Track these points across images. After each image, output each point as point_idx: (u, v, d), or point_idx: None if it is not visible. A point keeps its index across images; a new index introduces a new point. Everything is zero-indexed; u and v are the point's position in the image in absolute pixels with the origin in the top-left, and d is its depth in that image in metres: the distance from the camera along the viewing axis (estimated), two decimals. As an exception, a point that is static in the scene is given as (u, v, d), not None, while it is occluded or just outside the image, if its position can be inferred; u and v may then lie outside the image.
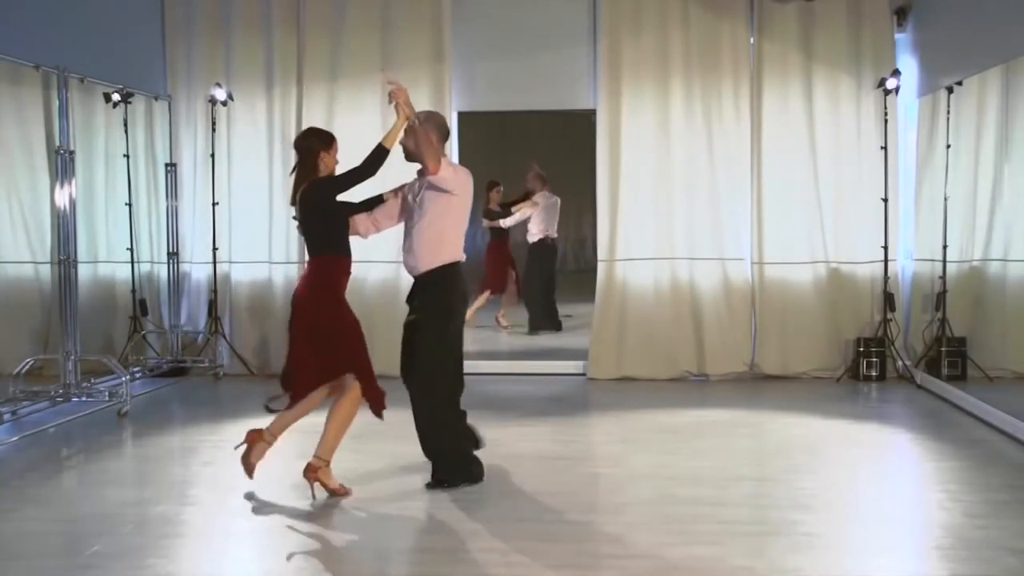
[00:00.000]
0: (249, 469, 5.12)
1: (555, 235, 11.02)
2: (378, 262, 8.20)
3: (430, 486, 5.18)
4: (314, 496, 5.00)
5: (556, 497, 4.99)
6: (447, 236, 5.10)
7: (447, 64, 8.38)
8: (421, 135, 4.95)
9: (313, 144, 5.03)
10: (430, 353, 5.10)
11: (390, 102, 4.99)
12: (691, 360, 8.33)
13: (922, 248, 8.15)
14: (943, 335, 7.64)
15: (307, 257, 5.22)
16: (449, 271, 5.11)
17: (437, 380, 5.13)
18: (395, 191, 5.31)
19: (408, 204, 5.25)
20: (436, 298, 5.11)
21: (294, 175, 5.08)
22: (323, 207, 4.97)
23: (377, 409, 5.08)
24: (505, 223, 10.91)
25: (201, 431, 6.55)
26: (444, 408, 5.19)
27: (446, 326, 5.12)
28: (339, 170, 5.08)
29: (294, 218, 5.11)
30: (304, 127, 8.46)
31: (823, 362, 8.29)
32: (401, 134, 5.04)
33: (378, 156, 4.93)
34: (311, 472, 5.00)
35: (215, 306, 8.59)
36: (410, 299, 5.25)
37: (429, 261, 5.08)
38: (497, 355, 9.45)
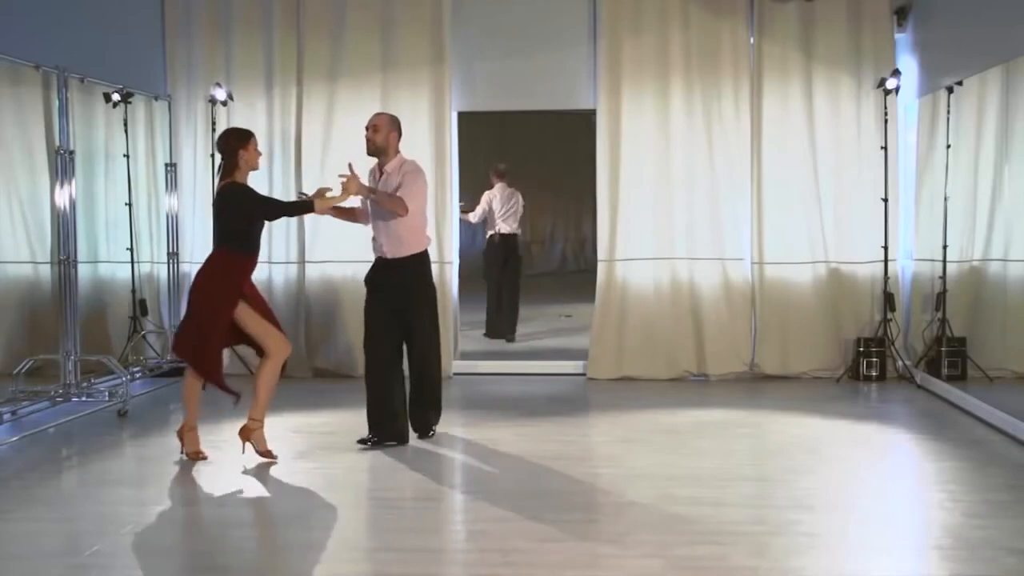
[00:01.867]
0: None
1: (507, 231, 10.37)
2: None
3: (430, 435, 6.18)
4: (244, 452, 5.59)
5: (556, 497, 4.99)
6: (423, 224, 6.02)
7: (447, 64, 8.38)
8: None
9: (231, 143, 5.56)
10: (434, 327, 6.07)
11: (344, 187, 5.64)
12: (691, 360, 8.33)
13: (922, 248, 8.15)
14: (943, 335, 7.64)
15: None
16: (427, 254, 6.04)
17: (437, 348, 6.11)
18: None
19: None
20: (423, 278, 5.99)
21: (220, 172, 5.64)
22: (231, 210, 5.50)
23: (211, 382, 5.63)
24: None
25: (201, 431, 6.52)
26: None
27: (435, 299, 6.12)
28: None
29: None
30: (304, 127, 8.55)
31: (823, 362, 8.29)
32: (377, 132, 5.92)
33: (302, 210, 5.72)
34: (245, 432, 5.53)
35: (215, 306, 8.57)
36: (382, 278, 5.95)
37: (412, 247, 5.92)
38: (497, 355, 9.44)
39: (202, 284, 5.56)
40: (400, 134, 6.02)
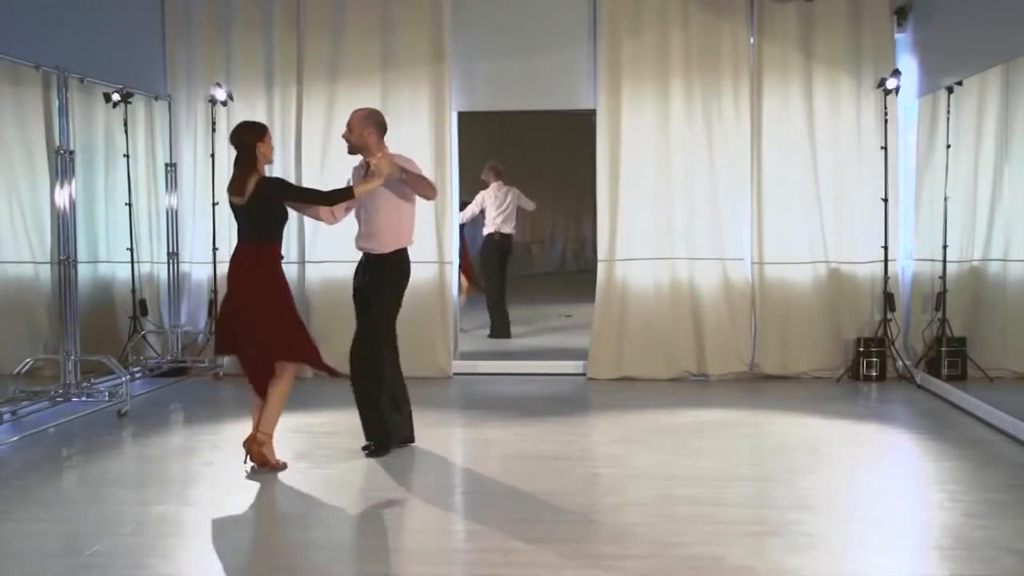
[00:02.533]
0: (274, 466, 5.48)
1: (507, 231, 10.45)
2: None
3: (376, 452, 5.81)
4: (246, 463, 5.45)
5: (556, 497, 4.99)
6: (408, 223, 5.83)
7: (447, 64, 8.38)
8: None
9: (247, 138, 5.47)
10: (381, 320, 5.77)
11: (370, 170, 5.59)
12: (691, 360, 8.33)
13: (922, 248, 8.15)
14: (943, 335, 7.64)
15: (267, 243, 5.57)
16: (406, 253, 5.82)
17: (387, 345, 5.81)
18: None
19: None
20: (394, 276, 5.78)
21: (236, 168, 5.48)
22: (274, 202, 5.44)
23: (326, 370, 5.69)
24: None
25: (201, 431, 6.55)
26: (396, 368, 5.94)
27: (398, 298, 5.83)
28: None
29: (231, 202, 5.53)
30: (304, 127, 8.55)
31: (823, 362, 8.29)
32: (351, 132, 5.76)
33: (341, 196, 5.59)
34: (256, 445, 5.40)
35: (215, 306, 8.58)
36: (361, 278, 5.81)
37: (392, 244, 5.75)
38: (497, 355, 9.44)
39: (245, 286, 5.42)
40: (381, 128, 5.77)
